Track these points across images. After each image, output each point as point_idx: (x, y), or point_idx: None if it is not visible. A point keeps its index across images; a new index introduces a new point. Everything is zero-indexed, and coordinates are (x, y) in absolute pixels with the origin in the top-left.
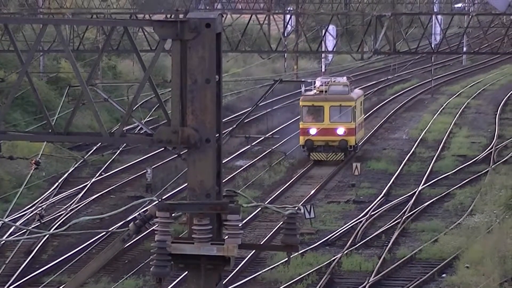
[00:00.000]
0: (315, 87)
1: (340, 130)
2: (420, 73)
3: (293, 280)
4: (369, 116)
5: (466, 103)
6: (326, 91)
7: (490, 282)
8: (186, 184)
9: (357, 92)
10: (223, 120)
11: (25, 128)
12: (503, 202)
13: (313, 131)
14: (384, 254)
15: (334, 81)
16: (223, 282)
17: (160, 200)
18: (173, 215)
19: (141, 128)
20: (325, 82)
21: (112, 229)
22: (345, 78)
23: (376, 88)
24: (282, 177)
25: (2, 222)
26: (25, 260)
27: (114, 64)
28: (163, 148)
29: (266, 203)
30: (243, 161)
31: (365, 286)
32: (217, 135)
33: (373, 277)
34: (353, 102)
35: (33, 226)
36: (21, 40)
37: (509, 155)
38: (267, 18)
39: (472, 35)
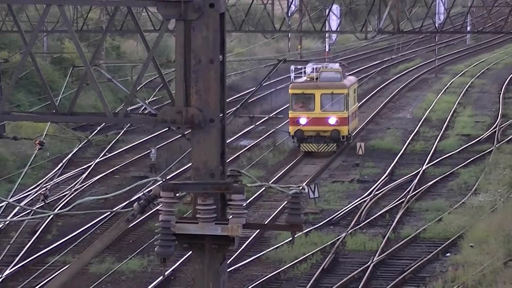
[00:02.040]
0: (305, 73)
1: (332, 120)
2: (424, 53)
3: (298, 259)
4: (373, 95)
5: (470, 82)
6: (317, 78)
7: (495, 261)
8: (190, 164)
9: (350, 79)
10: (227, 100)
11: (29, 108)
12: (507, 181)
13: (303, 120)
14: (388, 233)
15: (326, 67)
16: (227, 262)
17: (164, 180)
18: (177, 195)
19: (145, 108)
20: (316, 69)
21: (116, 209)
22: (337, 64)
23: (380, 68)
24: (286, 157)
25: (7, 202)
26: (29, 240)
27: (118, 44)
28: (167, 128)
29: (270, 182)
30: (247, 141)
31: (369, 265)
32: (221, 115)
33: (377, 256)
34: (345, 90)
35: (37, 206)
36: (25, 21)
37: None
38: None
39: (476, 14)
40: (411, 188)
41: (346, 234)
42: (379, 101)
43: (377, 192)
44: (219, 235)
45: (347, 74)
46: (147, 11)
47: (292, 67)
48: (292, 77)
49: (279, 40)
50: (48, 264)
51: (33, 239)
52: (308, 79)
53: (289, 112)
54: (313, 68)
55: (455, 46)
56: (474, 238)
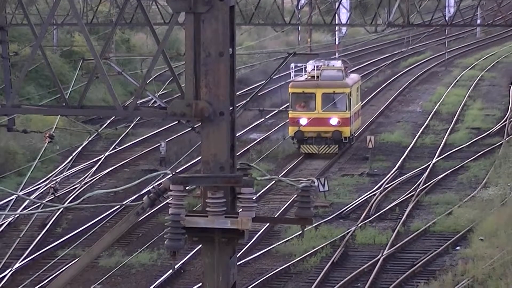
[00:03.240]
0: (306, 71)
1: (334, 120)
2: (434, 46)
3: (307, 253)
4: (383, 89)
5: (480, 75)
6: (318, 77)
7: (504, 254)
8: (199, 157)
9: (353, 77)
10: (237, 93)
11: (39, 101)
12: None
13: (303, 121)
14: (398, 227)
15: (327, 65)
16: (237, 255)
17: (174, 173)
18: (187, 188)
19: (155, 102)
20: (317, 67)
21: (126, 203)
22: (340, 61)
23: (390, 61)
24: (296, 150)
25: (17, 195)
26: (39, 234)
27: (127, 38)
28: (177, 122)
29: (280, 176)
30: (257, 134)
31: (379, 259)
32: (231, 108)
33: (387, 250)
34: (348, 89)
35: (47, 199)
36: (35, 14)
37: None
38: None
39: (486, 8)
40: (421, 181)
41: (356, 228)
42: (389, 94)
43: (387, 186)
44: (229, 229)
45: (349, 71)
46: (157, 4)
47: (292, 64)
48: (292, 75)
49: (289, 33)
50: (58, 258)
51: (43, 233)
52: (309, 77)
53: (289, 112)
54: (314, 66)
55: (465, 39)
56: (484, 231)
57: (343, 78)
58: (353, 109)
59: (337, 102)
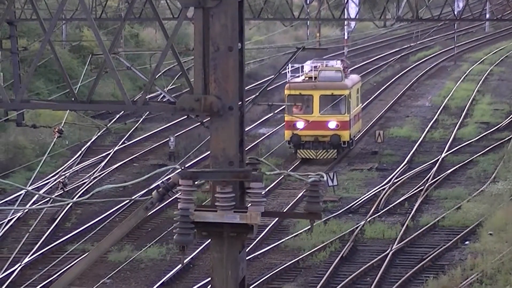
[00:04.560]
0: (303, 72)
1: (332, 124)
2: (443, 40)
3: (316, 247)
4: (392, 83)
5: (489, 70)
6: (315, 78)
7: None
8: (208, 152)
9: (353, 78)
10: (246, 88)
11: (48, 96)
12: None
13: (300, 124)
14: (407, 221)
15: (326, 66)
16: (246, 250)
17: (183, 168)
18: (196, 183)
19: (164, 96)
20: (314, 67)
21: (135, 197)
22: (339, 61)
23: (399, 56)
24: None
25: (26, 190)
26: (48, 229)
27: (136, 32)
28: (186, 116)
29: (289, 170)
30: (266, 129)
31: (388, 253)
32: (240, 102)
33: (396, 245)
34: (347, 91)
35: (56, 194)
36: (44, 9)
37: None
38: None
39: (495, 2)
40: (430, 176)
41: (365, 222)
42: (398, 89)
43: (396, 180)
44: (238, 223)
45: (349, 72)
46: None
47: (289, 64)
48: (288, 76)
49: (298, 27)
50: (67, 252)
51: (52, 227)
52: (306, 78)
53: (285, 115)
54: (311, 66)
55: (474, 34)
56: (493, 226)
57: (342, 79)
58: (352, 111)
59: (335, 104)
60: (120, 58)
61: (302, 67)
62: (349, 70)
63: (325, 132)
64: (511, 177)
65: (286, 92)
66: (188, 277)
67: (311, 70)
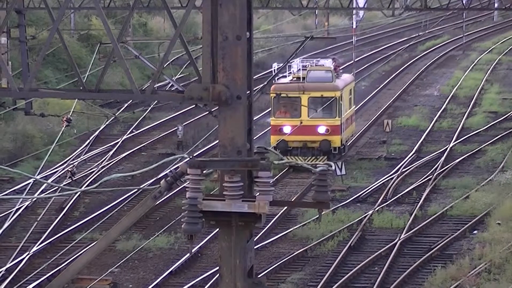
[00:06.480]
0: (290, 72)
1: (322, 128)
2: (451, 30)
3: (324, 236)
4: (400, 72)
5: (497, 59)
6: (304, 78)
7: None
8: (217, 141)
9: (345, 78)
10: (254, 77)
11: (56, 85)
12: None
13: (287, 129)
14: (416, 210)
15: (315, 65)
16: (254, 239)
17: (191, 157)
18: (204, 172)
19: (172, 85)
20: (303, 66)
21: (143, 186)
22: (330, 60)
23: (408, 45)
24: None
25: (34, 179)
26: (56, 217)
27: (145, 21)
28: (194, 105)
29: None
30: None
31: (396, 242)
32: (248, 92)
33: (404, 234)
34: (338, 92)
35: (64, 183)
36: None
37: None
38: None
39: None
40: (438, 165)
41: (373, 212)
42: (406, 78)
43: (404, 170)
44: (246, 212)
45: (341, 71)
46: None
47: (275, 64)
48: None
49: (306, 17)
50: (75, 241)
51: (60, 216)
52: (294, 78)
53: (271, 119)
54: (299, 66)
55: (483, 23)
56: (501, 215)
57: (333, 80)
58: (344, 115)
59: (325, 107)
60: (129, 47)
61: (289, 65)
62: (341, 69)
63: (314, 137)
64: None
65: (272, 93)
66: (196, 266)
67: (299, 70)
